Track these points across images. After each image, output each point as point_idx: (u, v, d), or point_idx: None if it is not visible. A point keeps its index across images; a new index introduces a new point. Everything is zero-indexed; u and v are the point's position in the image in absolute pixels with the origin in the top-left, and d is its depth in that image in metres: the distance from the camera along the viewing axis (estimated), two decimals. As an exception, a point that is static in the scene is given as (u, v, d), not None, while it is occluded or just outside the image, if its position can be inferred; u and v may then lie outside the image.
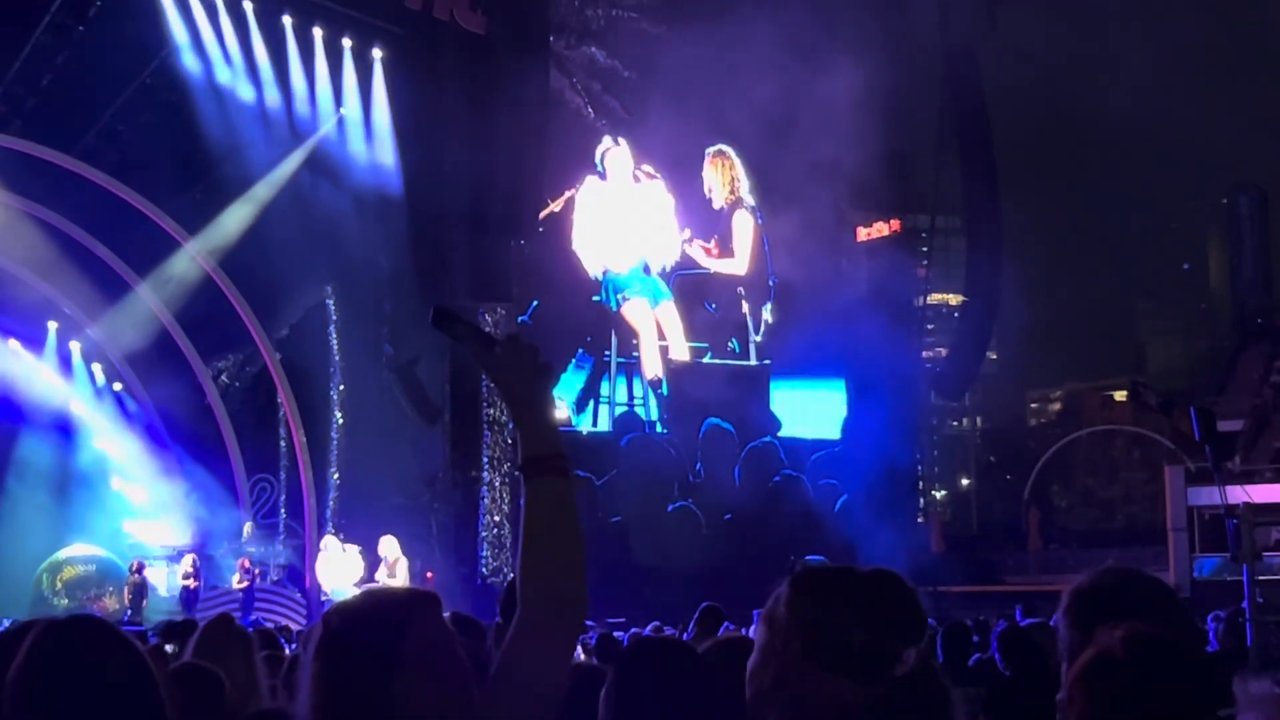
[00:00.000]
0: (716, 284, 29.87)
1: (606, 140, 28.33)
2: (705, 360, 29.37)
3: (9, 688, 2.58)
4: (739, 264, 30.00)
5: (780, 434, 29.52)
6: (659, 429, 28.32)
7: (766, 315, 30.08)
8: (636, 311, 28.37)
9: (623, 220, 28.30)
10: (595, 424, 27.95)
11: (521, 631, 2.50)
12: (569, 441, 27.75)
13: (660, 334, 28.54)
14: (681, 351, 28.97)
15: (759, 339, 29.97)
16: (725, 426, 28.54)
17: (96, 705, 2.58)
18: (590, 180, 28.19)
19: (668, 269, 28.95)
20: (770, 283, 30.11)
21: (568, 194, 27.77)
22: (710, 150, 29.75)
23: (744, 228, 30.15)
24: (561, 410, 26.62)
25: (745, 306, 30.05)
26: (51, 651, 2.64)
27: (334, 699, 2.43)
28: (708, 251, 29.70)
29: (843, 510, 28.42)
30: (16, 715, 2.54)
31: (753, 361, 29.94)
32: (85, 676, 2.61)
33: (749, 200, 30.11)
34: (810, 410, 30.20)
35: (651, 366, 28.38)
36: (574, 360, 27.61)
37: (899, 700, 2.32)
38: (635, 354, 28.43)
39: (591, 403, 27.98)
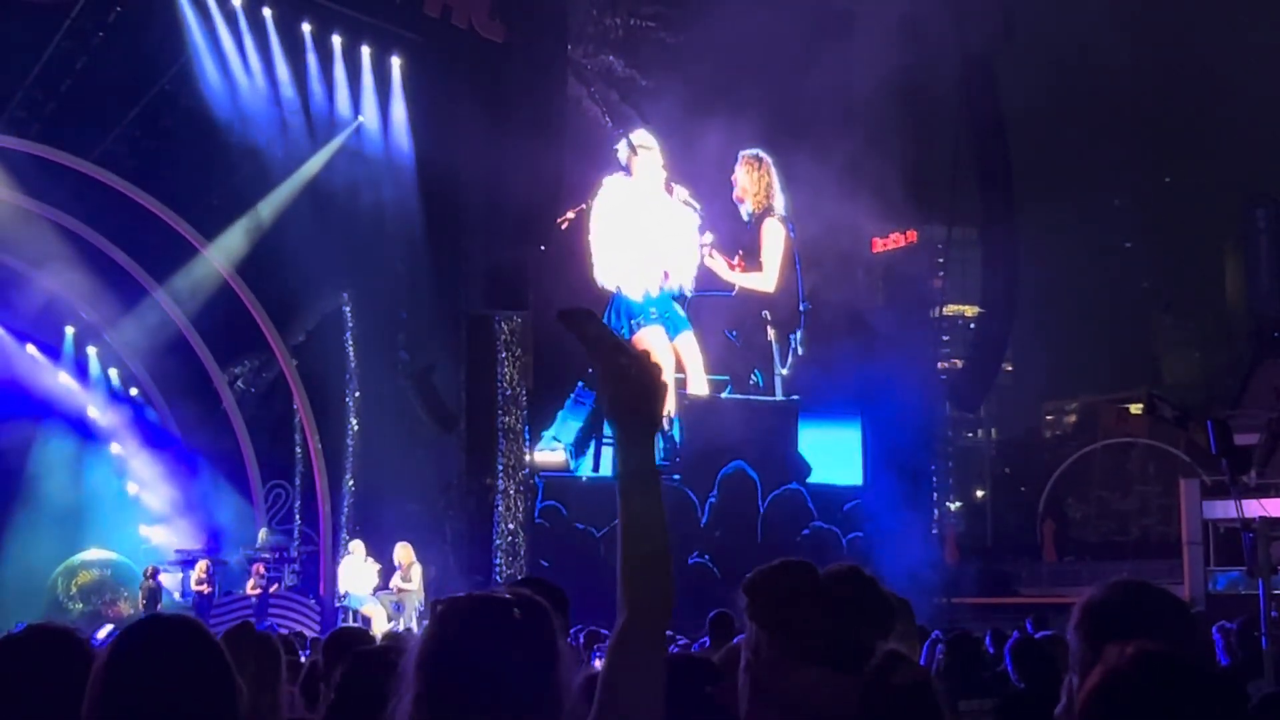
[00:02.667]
0: (739, 309, 27.55)
1: (640, 134, 26.64)
2: (725, 395, 26.99)
3: None
4: (766, 278, 27.76)
5: (809, 480, 27.11)
6: (672, 476, 25.45)
7: (796, 346, 27.82)
8: (652, 341, 25.19)
9: (644, 233, 26.49)
10: (596, 468, 25.38)
11: (625, 640, 2.55)
12: (567, 487, 25.90)
13: (679, 366, 26.04)
14: (700, 386, 26.48)
15: (785, 372, 27.62)
16: (748, 472, 26.29)
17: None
18: (614, 179, 26.67)
19: (686, 293, 26.87)
20: (801, 309, 27.93)
21: (589, 204, 26.39)
22: (746, 153, 28.21)
23: (774, 238, 28.11)
24: (558, 454, 25.53)
25: (771, 334, 27.65)
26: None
27: (434, 707, 2.46)
28: (732, 266, 27.53)
29: (867, 544, 26.13)
30: None
31: (779, 397, 27.47)
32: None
33: (781, 211, 28.51)
34: (835, 451, 27.72)
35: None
36: (572, 395, 25.45)
37: (901, 706, 2.33)
38: (644, 388, 26.43)
39: (593, 444, 25.45)
